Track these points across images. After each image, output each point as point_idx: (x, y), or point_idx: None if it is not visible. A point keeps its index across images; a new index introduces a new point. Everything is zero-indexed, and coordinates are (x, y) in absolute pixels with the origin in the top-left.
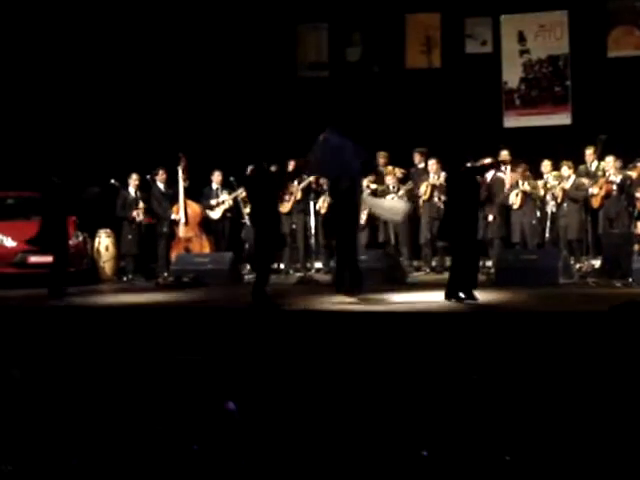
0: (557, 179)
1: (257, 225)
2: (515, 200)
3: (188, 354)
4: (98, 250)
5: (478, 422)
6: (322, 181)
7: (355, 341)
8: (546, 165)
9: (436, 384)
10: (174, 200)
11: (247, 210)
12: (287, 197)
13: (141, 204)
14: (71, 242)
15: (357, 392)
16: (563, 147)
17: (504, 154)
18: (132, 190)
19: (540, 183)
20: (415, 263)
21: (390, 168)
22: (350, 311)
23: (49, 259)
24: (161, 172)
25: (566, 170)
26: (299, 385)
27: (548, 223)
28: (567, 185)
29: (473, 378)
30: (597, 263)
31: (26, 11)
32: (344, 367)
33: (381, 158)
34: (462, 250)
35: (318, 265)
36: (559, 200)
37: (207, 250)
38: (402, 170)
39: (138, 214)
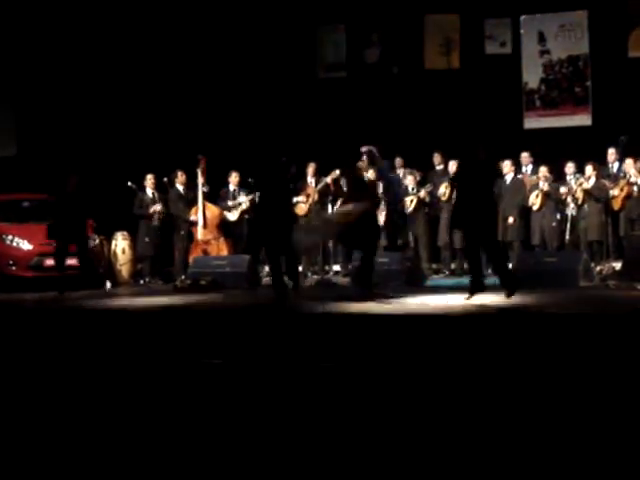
0: (578, 182)
1: (267, 222)
2: (535, 201)
3: (207, 357)
4: (115, 253)
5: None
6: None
7: (374, 343)
8: (570, 167)
9: (452, 386)
10: (192, 202)
11: None
12: (303, 198)
13: (158, 206)
14: (88, 245)
15: (376, 395)
16: (584, 148)
17: (524, 156)
18: (149, 191)
19: (562, 189)
20: (434, 266)
21: (408, 171)
22: (369, 313)
23: (69, 262)
24: (179, 174)
25: (589, 170)
26: (318, 388)
27: (568, 225)
28: (588, 185)
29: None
30: (618, 265)
31: (55, 14)
32: (364, 369)
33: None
34: (477, 240)
35: (336, 268)
36: (580, 202)
37: (225, 253)
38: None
39: (155, 211)
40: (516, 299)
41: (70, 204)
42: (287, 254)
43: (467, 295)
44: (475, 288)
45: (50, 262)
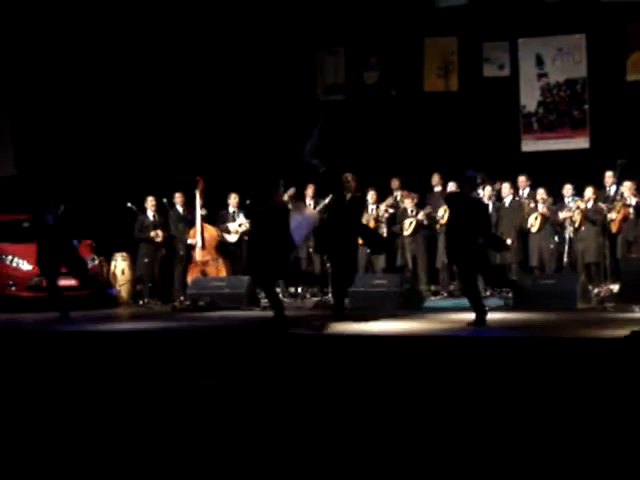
0: (577, 204)
1: (263, 246)
2: (534, 223)
3: (203, 379)
4: (114, 274)
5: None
6: None
7: (371, 365)
8: (567, 189)
9: (449, 409)
10: (192, 224)
11: None
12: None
13: (160, 231)
14: (87, 265)
15: (373, 416)
16: (582, 171)
17: (521, 180)
18: (150, 213)
19: (561, 215)
20: (432, 287)
21: (406, 193)
22: (366, 335)
23: (66, 282)
24: (178, 195)
25: (589, 192)
26: (315, 410)
27: (566, 247)
28: (588, 205)
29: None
30: (615, 288)
31: (54, 34)
32: (359, 391)
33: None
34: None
35: None
36: (577, 224)
37: (224, 274)
38: (414, 195)
39: (157, 234)
40: (515, 320)
41: (54, 226)
42: (286, 278)
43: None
44: (479, 311)
45: None
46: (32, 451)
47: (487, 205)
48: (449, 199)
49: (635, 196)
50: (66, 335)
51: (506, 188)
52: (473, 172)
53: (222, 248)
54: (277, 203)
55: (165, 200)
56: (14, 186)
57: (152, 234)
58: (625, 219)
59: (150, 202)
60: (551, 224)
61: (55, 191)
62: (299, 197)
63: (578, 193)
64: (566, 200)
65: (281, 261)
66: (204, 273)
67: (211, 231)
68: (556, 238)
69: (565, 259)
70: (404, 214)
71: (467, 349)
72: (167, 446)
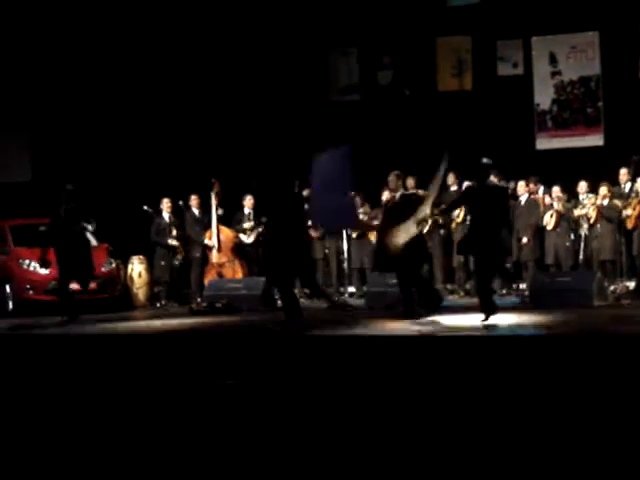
0: (591, 201)
1: (280, 247)
2: (549, 221)
3: (222, 379)
4: (131, 277)
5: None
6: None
7: (388, 364)
8: (582, 186)
9: (464, 407)
10: (207, 226)
11: None
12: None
13: (174, 231)
14: (104, 269)
15: (387, 416)
16: (596, 168)
17: (531, 186)
18: (166, 215)
19: (572, 205)
20: (449, 286)
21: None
22: (384, 335)
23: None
24: (194, 197)
25: (604, 190)
26: (331, 411)
27: (582, 244)
28: (603, 202)
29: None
30: (631, 285)
31: (68, 42)
32: (377, 391)
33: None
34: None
35: (351, 289)
36: (592, 221)
37: (240, 275)
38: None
39: (174, 239)
40: (532, 318)
41: (65, 227)
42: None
43: (483, 318)
44: (488, 310)
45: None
46: (53, 448)
47: (507, 190)
48: (467, 193)
49: None
50: (79, 338)
51: (521, 187)
52: (486, 159)
53: (238, 250)
54: (294, 202)
55: (181, 202)
56: (30, 191)
57: (169, 241)
58: None
59: (166, 204)
60: (567, 221)
61: (66, 191)
62: None
63: (593, 190)
64: (581, 197)
65: (296, 260)
66: (220, 275)
67: (227, 233)
68: (572, 236)
69: (581, 256)
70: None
71: (484, 348)
72: (181, 444)
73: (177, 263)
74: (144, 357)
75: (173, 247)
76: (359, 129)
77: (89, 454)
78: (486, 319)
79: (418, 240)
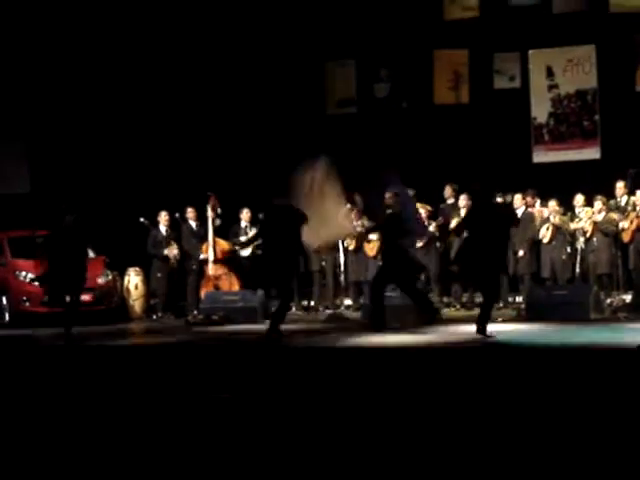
0: (587, 214)
1: (279, 260)
2: (546, 234)
3: (217, 392)
4: (128, 288)
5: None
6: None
7: (385, 377)
8: (578, 200)
9: (459, 420)
10: (204, 238)
11: None
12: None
13: (175, 250)
14: (101, 281)
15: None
16: (593, 182)
17: (528, 199)
18: (163, 228)
19: (568, 218)
20: (445, 299)
21: (419, 204)
22: (380, 347)
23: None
24: (190, 210)
25: (599, 204)
26: (331, 423)
27: (578, 258)
28: (598, 218)
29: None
30: (628, 298)
31: (66, 53)
32: (374, 402)
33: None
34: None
35: (348, 302)
36: (588, 235)
37: (236, 288)
38: (428, 207)
39: (171, 251)
40: (528, 331)
41: (66, 240)
42: (283, 297)
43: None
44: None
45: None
46: (49, 460)
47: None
48: (474, 212)
49: None
50: (80, 349)
51: (518, 200)
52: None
53: (235, 262)
54: (290, 209)
55: (177, 215)
56: (29, 202)
57: (166, 252)
58: (638, 229)
59: (163, 217)
60: (563, 235)
61: (67, 202)
62: None
63: (589, 204)
64: (577, 211)
65: (291, 266)
66: (217, 287)
67: (223, 245)
68: (568, 249)
69: (577, 270)
70: None
71: (482, 359)
72: (177, 457)
73: (175, 266)
74: (141, 369)
75: (169, 258)
76: (356, 142)
77: (85, 466)
78: (482, 331)
79: (406, 252)
